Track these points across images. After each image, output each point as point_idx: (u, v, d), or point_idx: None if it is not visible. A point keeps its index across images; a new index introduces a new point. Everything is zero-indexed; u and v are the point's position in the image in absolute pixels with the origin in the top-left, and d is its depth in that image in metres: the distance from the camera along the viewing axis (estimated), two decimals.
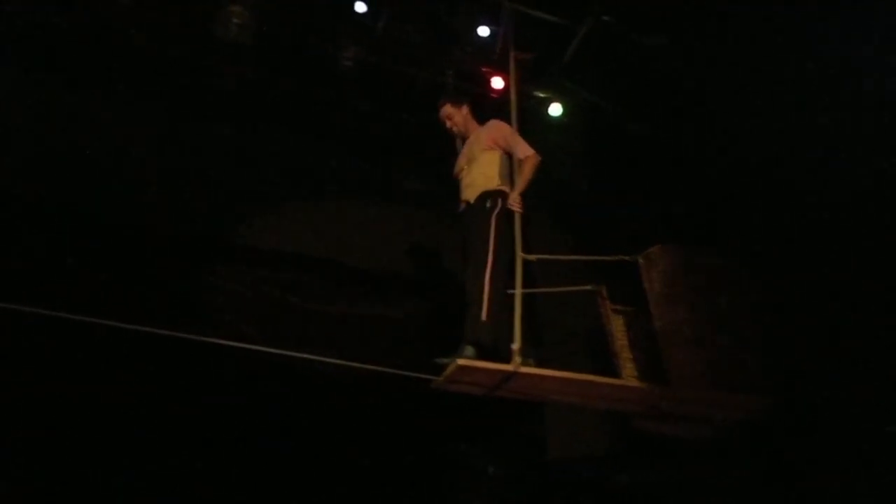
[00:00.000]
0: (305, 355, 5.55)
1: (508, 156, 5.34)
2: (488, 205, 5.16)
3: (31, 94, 6.19)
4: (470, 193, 5.32)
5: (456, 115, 5.64)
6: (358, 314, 6.89)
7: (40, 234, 5.98)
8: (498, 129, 5.45)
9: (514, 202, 5.11)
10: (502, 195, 5.20)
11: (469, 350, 4.80)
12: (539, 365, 4.84)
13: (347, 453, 6.51)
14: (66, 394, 5.87)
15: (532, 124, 6.65)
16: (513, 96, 5.56)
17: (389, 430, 6.63)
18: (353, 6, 6.36)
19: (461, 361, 4.60)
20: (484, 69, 6.71)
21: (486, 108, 6.02)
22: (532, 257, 5.11)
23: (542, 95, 6.98)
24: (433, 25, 6.46)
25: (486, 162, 5.34)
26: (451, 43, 6.60)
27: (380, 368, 5.09)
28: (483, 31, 6.53)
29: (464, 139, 5.65)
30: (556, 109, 7.00)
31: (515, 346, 4.64)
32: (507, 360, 4.63)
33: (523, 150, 5.29)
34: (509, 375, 4.66)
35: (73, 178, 6.15)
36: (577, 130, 7.12)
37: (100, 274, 6.07)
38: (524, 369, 4.61)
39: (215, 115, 6.72)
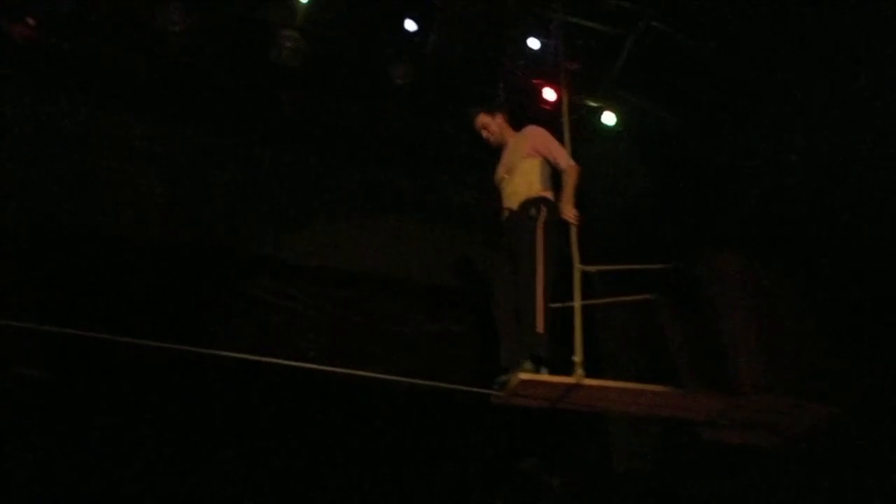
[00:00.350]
0: (368, 373, 5.58)
1: (549, 162, 5.32)
2: (532, 213, 5.10)
3: (86, 123, 6.37)
4: (513, 201, 5.28)
5: (491, 124, 5.61)
6: (418, 330, 6.92)
7: (99, 259, 6.14)
8: (537, 137, 5.41)
9: (570, 215, 5.08)
10: (545, 202, 5.16)
11: (528, 364, 4.75)
12: (595, 376, 4.81)
13: (412, 470, 6.55)
14: (136, 417, 6.01)
15: (585, 134, 6.65)
16: (565, 107, 5.56)
17: (453, 446, 6.65)
18: (402, 24, 6.40)
19: (523, 375, 4.60)
20: (535, 81, 6.69)
21: (539, 119, 5.99)
22: (591, 268, 5.09)
23: (594, 105, 6.94)
24: (483, 40, 6.47)
25: (528, 170, 5.30)
26: (501, 56, 6.61)
27: (442, 385, 5.09)
28: (533, 43, 6.52)
29: (501, 148, 5.62)
30: (609, 118, 6.95)
31: (577, 358, 4.62)
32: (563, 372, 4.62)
33: (564, 160, 5.26)
34: (572, 387, 4.65)
35: (127, 202, 6.31)
36: (630, 139, 7.06)
37: (159, 296, 6.21)
38: (587, 381, 4.60)
39: (269, 136, 6.83)
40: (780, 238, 6.10)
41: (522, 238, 5.05)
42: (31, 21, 6.00)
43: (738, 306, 5.10)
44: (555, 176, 5.33)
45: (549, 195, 5.21)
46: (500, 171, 5.51)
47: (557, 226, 5.10)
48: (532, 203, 5.15)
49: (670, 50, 6.50)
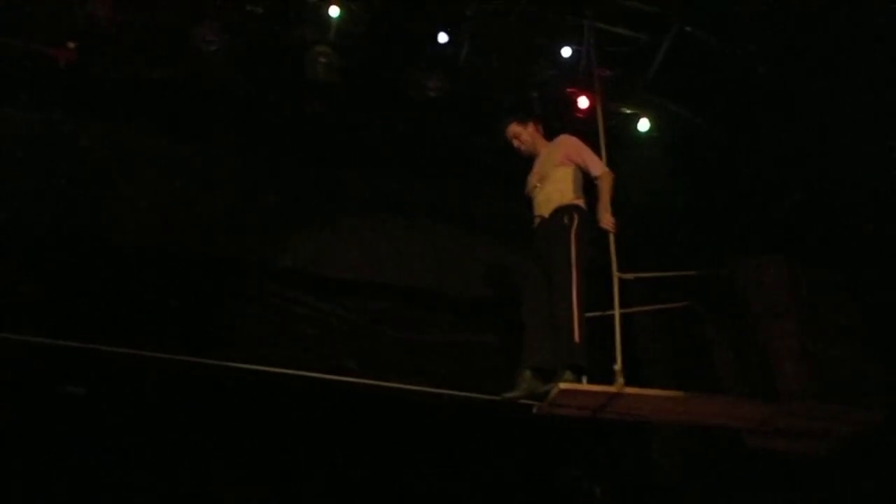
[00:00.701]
0: (404, 385, 5.60)
1: (581, 170, 5.32)
2: (565, 220, 5.11)
3: (126, 144, 6.46)
4: (545, 209, 5.29)
5: (523, 134, 5.63)
6: (451, 341, 6.91)
7: (135, 276, 6.21)
8: (570, 145, 5.43)
9: (608, 223, 5.07)
10: (578, 210, 5.16)
11: (568, 374, 4.74)
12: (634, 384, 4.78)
13: (452, 481, 6.54)
14: (172, 432, 6.08)
15: (620, 141, 6.62)
16: (599, 115, 5.55)
17: (493, 457, 6.63)
18: (435, 37, 6.42)
19: (563, 385, 4.60)
20: (569, 90, 6.68)
21: (573, 128, 5.99)
22: (629, 276, 5.07)
23: (629, 112, 6.91)
24: (515, 50, 6.47)
25: (560, 178, 5.31)
26: (534, 66, 6.61)
27: (480, 396, 5.09)
28: (566, 51, 6.52)
29: (532, 157, 5.63)
30: (643, 125, 6.92)
31: (617, 366, 4.60)
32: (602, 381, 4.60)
33: (598, 167, 5.25)
34: (613, 396, 4.63)
35: (161, 219, 6.37)
36: (666, 145, 7.02)
37: (194, 311, 6.28)
38: (629, 389, 4.58)
39: (303, 152, 6.89)
40: (820, 242, 6.03)
41: (556, 246, 5.05)
42: (71, 45, 6.11)
43: (779, 312, 5.05)
44: (587, 184, 5.34)
45: (581, 203, 5.23)
46: (533, 179, 5.52)
47: (589, 234, 5.11)
48: (564, 211, 5.16)
49: (704, 55, 6.46)
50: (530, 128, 5.64)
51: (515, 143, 5.65)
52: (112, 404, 6.02)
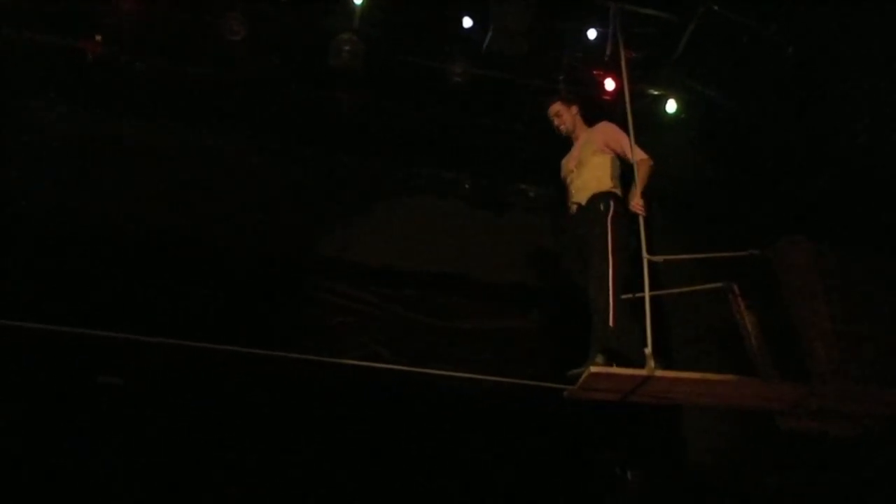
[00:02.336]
0: (438, 372, 5.62)
1: (619, 158, 5.34)
2: (601, 208, 5.15)
3: (153, 137, 6.52)
4: (581, 196, 5.32)
5: (565, 114, 5.64)
6: (486, 328, 6.92)
7: (173, 267, 6.27)
8: (610, 132, 5.44)
9: (637, 206, 5.06)
10: (614, 197, 5.20)
11: (600, 357, 4.80)
12: (666, 367, 4.78)
13: (486, 466, 6.55)
14: (205, 423, 6.13)
15: (648, 123, 6.57)
16: (626, 96, 5.51)
17: (525, 442, 6.63)
18: (459, 22, 6.40)
19: (594, 369, 4.60)
20: (595, 72, 6.64)
21: (601, 110, 5.95)
22: (659, 258, 5.07)
23: (656, 93, 6.86)
24: (540, 33, 6.43)
25: (598, 165, 5.33)
26: (560, 49, 6.56)
27: (513, 381, 5.11)
28: (591, 33, 6.47)
29: (570, 139, 5.64)
30: (671, 106, 6.86)
31: (648, 349, 4.59)
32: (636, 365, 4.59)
33: (637, 153, 5.25)
34: (644, 380, 4.62)
35: (195, 211, 6.44)
36: (693, 126, 6.96)
37: (231, 303, 6.31)
38: (659, 373, 4.57)
39: (331, 140, 6.90)
40: (852, 223, 5.96)
41: (593, 233, 5.09)
42: (98, 38, 6.16)
43: (812, 292, 4.99)
44: (624, 173, 5.35)
45: (617, 191, 5.26)
46: (570, 164, 5.54)
47: (626, 220, 5.13)
48: (601, 198, 5.20)
49: (732, 35, 6.39)
50: (573, 109, 5.67)
51: (556, 121, 5.67)
52: (150, 395, 6.09)
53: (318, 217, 6.72)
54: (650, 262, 4.93)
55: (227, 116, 6.66)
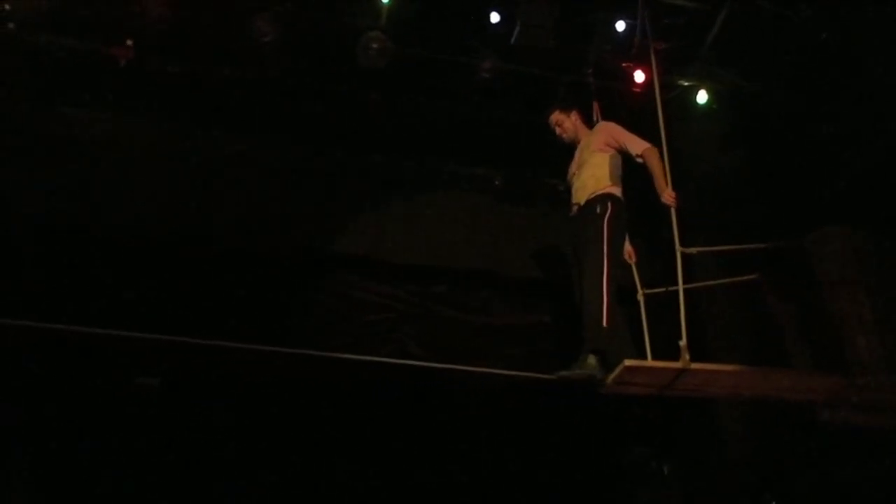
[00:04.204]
0: (470, 368, 5.61)
1: (621, 157, 5.35)
2: (598, 209, 5.17)
3: (182, 139, 6.57)
4: (580, 196, 5.35)
5: (565, 122, 5.69)
6: (517, 323, 6.91)
7: (203, 267, 6.31)
8: (609, 131, 5.47)
9: (669, 198, 5.04)
10: (612, 198, 5.21)
11: (591, 358, 4.86)
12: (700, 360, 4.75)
13: (521, 462, 6.55)
14: (244, 420, 6.19)
15: (679, 114, 6.52)
16: (656, 88, 5.47)
17: (561, 437, 6.62)
18: (487, 17, 6.38)
19: (628, 362, 4.61)
20: (625, 64, 6.59)
21: (631, 103, 5.91)
22: (692, 250, 5.04)
23: (686, 84, 6.79)
24: (568, 26, 6.39)
25: (597, 164, 5.35)
26: (588, 42, 6.53)
27: (545, 376, 5.09)
28: (620, 25, 6.43)
29: (574, 146, 5.66)
30: (702, 97, 6.79)
31: (683, 342, 4.57)
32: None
33: (638, 145, 5.26)
34: (680, 373, 4.59)
35: (225, 211, 6.47)
36: (725, 116, 6.88)
37: (258, 301, 6.34)
38: (695, 365, 4.54)
39: (359, 139, 6.92)
40: (889, 211, 5.86)
41: (588, 234, 5.13)
42: (129, 42, 6.23)
43: (849, 282, 4.94)
44: (627, 172, 5.37)
45: (615, 191, 5.27)
46: (572, 167, 5.58)
47: (624, 223, 5.19)
48: (598, 199, 5.22)
49: (763, 22, 6.31)
50: (573, 116, 5.70)
51: (558, 130, 5.73)
52: (185, 395, 6.15)
53: (349, 215, 6.73)
54: (683, 255, 4.91)
55: (259, 118, 6.70)
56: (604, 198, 5.21)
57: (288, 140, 6.79)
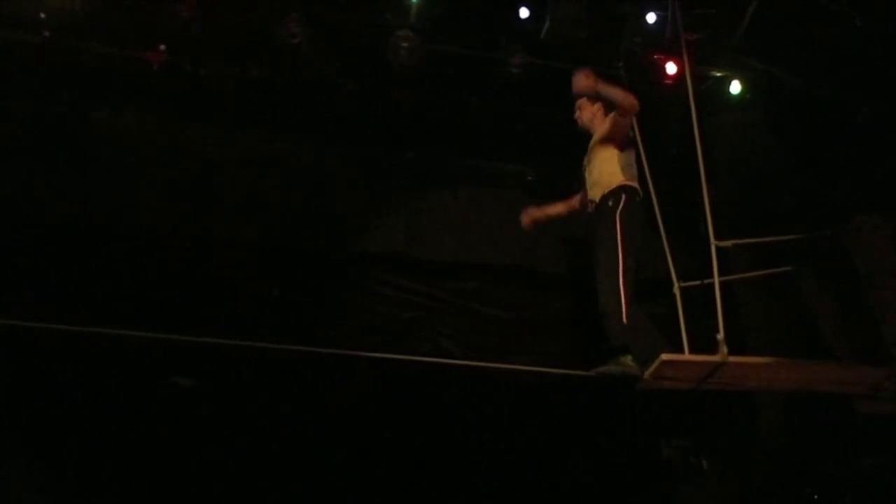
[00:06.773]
0: (505, 366, 5.62)
1: (627, 151, 5.33)
2: (611, 204, 5.16)
3: (217, 141, 6.62)
4: (595, 192, 5.34)
5: (586, 110, 5.66)
6: (548, 318, 6.90)
7: (238, 268, 6.38)
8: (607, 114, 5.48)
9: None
10: (625, 191, 5.18)
11: (620, 357, 4.87)
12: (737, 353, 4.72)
13: (558, 458, 6.54)
14: (273, 422, 6.24)
15: (712, 105, 6.47)
16: (688, 80, 5.44)
17: (599, 432, 6.61)
18: (516, 13, 6.37)
19: (665, 357, 4.59)
20: (656, 56, 6.55)
21: (662, 95, 5.87)
22: (727, 243, 5.01)
23: (719, 74, 6.74)
24: (598, 19, 6.36)
25: (605, 159, 5.34)
26: (618, 35, 6.49)
27: (580, 372, 5.09)
28: (650, 17, 6.39)
29: (585, 133, 5.64)
30: (735, 87, 6.73)
31: (720, 335, 4.54)
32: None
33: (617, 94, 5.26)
34: (718, 366, 4.56)
35: (258, 213, 6.51)
36: (759, 106, 6.82)
37: (293, 301, 6.41)
38: (733, 359, 4.52)
39: (390, 137, 6.94)
40: None
41: (603, 231, 5.12)
42: (163, 47, 6.30)
43: (888, 272, 4.87)
44: (638, 163, 5.37)
45: (630, 183, 5.25)
46: (584, 162, 5.57)
47: (639, 215, 5.17)
48: (612, 194, 5.20)
49: (796, 8, 6.23)
50: (596, 107, 5.64)
51: (577, 113, 5.71)
52: (220, 395, 6.22)
53: (382, 214, 6.76)
54: (718, 248, 4.88)
55: (291, 118, 6.74)
56: (617, 191, 5.19)
57: (321, 140, 6.83)
